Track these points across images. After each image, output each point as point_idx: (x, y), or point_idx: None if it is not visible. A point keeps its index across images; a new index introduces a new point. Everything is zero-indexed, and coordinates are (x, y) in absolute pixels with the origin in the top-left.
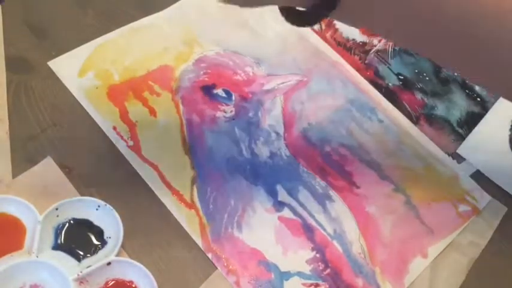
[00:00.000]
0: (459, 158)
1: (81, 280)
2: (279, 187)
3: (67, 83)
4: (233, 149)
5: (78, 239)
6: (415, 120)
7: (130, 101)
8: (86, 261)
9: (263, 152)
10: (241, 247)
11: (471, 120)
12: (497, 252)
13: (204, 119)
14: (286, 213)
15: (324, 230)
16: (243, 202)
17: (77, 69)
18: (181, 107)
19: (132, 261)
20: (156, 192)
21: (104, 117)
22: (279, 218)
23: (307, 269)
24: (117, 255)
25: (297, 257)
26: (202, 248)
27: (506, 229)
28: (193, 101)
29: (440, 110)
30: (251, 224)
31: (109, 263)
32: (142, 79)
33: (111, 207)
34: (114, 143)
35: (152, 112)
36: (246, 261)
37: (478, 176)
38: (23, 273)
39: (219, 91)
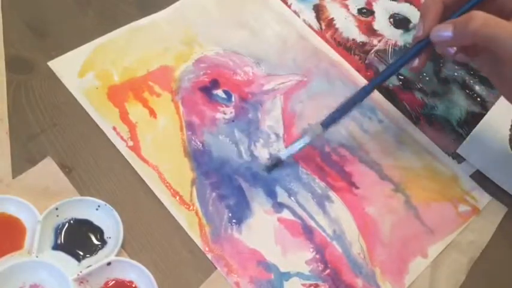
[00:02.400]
0: (459, 158)
1: (81, 280)
2: (278, 188)
3: (67, 83)
4: (232, 151)
5: (78, 239)
6: (415, 120)
7: (130, 101)
8: (86, 261)
9: (262, 154)
10: (241, 248)
11: (471, 120)
12: (497, 252)
13: (204, 121)
14: (286, 214)
15: (324, 230)
16: (242, 203)
17: (77, 70)
18: (181, 108)
19: (132, 261)
20: (156, 192)
21: (104, 118)
22: (279, 219)
23: (306, 269)
24: (117, 255)
25: (296, 258)
26: (202, 249)
27: (506, 229)
28: (193, 102)
29: (440, 110)
30: (250, 225)
31: (109, 263)
32: (142, 79)
33: (111, 207)
34: (114, 143)
35: (152, 113)
36: (246, 261)
37: (478, 176)
38: (23, 273)
39: (219, 92)
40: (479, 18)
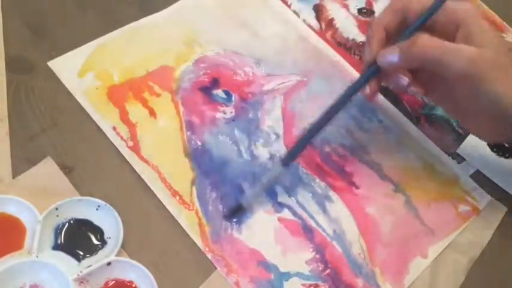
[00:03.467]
0: (459, 158)
1: (81, 280)
2: (278, 188)
3: (67, 83)
4: (233, 150)
5: (78, 239)
6: (415, 120)
7: (130, 101)
8: (86, 261)
9: (262, 153)
10: (241, 248)
11: None
12: (497, 252)
13: (204, 120)
14: (286, 214)
15: (324, 230)
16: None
17: (77, 70)
18: (181, 108)
19: (132, 261)
20: (156, 192)
21: (104, 118)
22: (279, 219)
23: (306, 269)
24: (117, 255)
25: (296, 258)
26: (202, 249)
27: (506, 229)
28: (193, 102)
29: (440, 110)
30: (250, 225)
31: (109, 263)
32: (142, 79)
33: (111, 207)
34: (114, 143)
35: (152, 113)
36: (246, 261)
37: (478, 176)
38: (23, 273)
39: (219, 92)
40: (424, 40)
